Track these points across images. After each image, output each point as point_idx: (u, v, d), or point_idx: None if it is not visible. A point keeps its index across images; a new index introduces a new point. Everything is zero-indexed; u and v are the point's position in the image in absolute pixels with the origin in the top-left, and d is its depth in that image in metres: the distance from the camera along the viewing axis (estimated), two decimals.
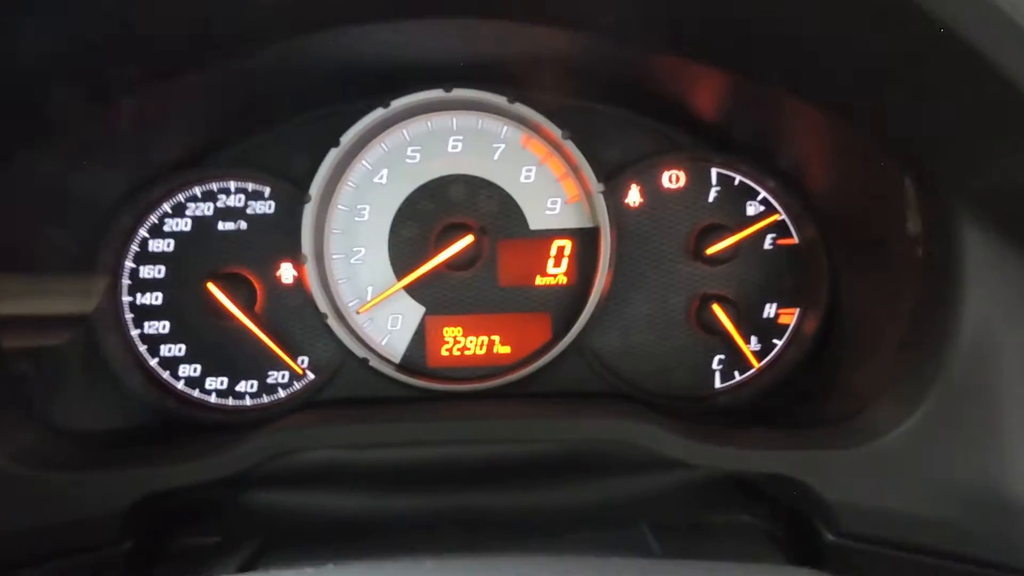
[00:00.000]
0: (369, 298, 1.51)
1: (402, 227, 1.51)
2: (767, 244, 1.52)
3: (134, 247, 1.50)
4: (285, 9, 1.07)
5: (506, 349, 1.53)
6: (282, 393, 1.52)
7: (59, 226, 1.40)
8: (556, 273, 1.53)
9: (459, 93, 1.44)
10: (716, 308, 1.48)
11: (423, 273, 1.49)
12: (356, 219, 1.51)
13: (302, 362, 1.52)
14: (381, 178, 1.51)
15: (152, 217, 1.50)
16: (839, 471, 1.13)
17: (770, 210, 1.51)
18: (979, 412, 1.06)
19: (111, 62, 1.07)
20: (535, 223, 1.52)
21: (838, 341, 1.45)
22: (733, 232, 1.48)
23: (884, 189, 1.25)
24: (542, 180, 1.51)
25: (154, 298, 1.51)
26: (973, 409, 1.07)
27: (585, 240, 1.52)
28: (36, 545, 1.13)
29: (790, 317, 1.51)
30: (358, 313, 1.51)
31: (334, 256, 1.51)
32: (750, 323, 1.51)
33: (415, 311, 1.53)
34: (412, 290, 1.52)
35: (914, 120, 1.03)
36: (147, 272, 1.50)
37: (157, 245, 1.50)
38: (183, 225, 1.50)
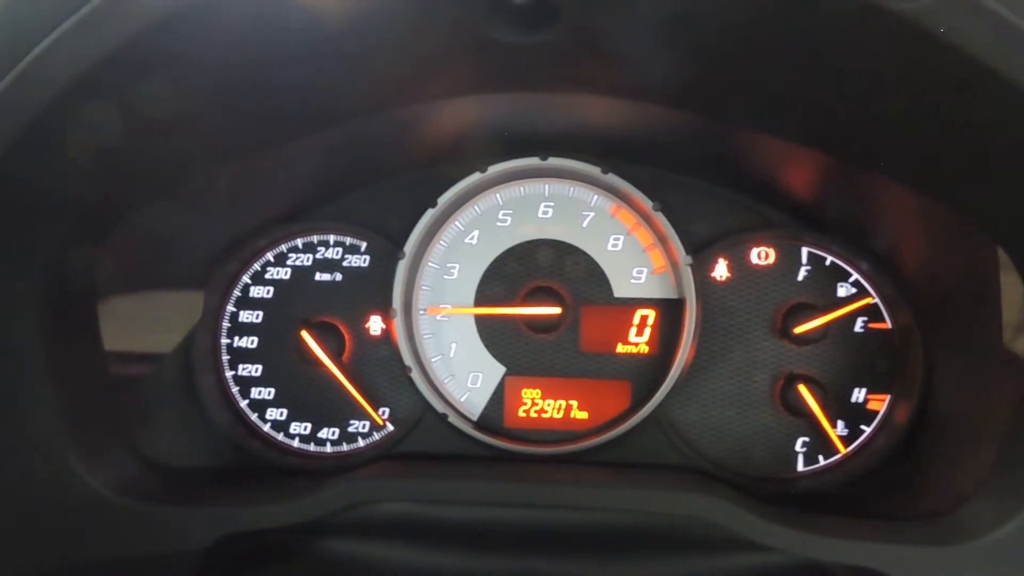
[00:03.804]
0: (452, 355, 1.55)
1: (489, 287, 1.54)
2: (858, 327, 1.48)
3: (236, 292, 1.58)
4: (405, 82, 1.14)
5: (583, 415, 1.53)
6: (361, 443, 1.55)
7: (170, 270, 1.49)
8: (638, 342, 1.52)
9: (554, 162, 1.48)
10: (802, 389, 1.44)
11: (502, 314, 1.52)
12: (445, 277, 1.55)
13: (383, 413, 1.55)
14: (472, 239, 1.55)
15: (256, 264, 1.58)
16: (933, 570, 1.07)
17: (862, 293, 1.48)
18: None
19: (241, 123, 1.15)
20: (620, 291, 1.53)
21: (932, 431, 1.39)
22: (822, 313, 1.45)
23: (984, 275, 1.21)
24: (629, 249, 1.53)
25: (250, 342, 1.57)
26: None
27: (669, 311, 1.52)
28: None
29: (880, 403, 1.46)
30: (424, 313, 1.55)
31: (421, 312, 1.55)
32: (837, 407, 1.47)
33: (496, 370, 1.55)
34: (494, 350, 1.54)
35: (1019, 205, 1.01)
36: (246, 317, 1.57)
37: (257, 291, 1.58)
38: (283, 274, 1.58)
